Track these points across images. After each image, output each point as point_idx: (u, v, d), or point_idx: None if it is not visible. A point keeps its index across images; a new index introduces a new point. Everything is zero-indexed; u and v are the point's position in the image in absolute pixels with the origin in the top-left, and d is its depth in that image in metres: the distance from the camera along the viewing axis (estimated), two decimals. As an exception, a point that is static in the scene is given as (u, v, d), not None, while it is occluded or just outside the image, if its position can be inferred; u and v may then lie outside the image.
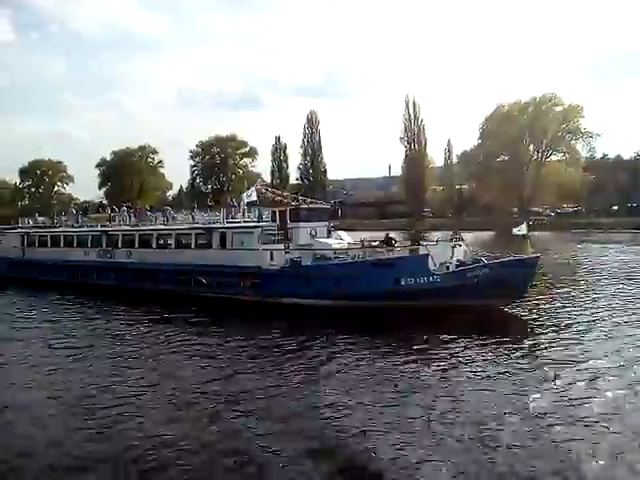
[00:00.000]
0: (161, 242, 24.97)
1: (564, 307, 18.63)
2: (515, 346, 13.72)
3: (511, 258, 18.69)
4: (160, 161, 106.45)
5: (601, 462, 7.54)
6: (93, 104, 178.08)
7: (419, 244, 19.59)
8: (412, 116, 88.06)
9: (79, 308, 21.09)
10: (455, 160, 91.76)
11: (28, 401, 10.70)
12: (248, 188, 26.40)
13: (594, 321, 16.20)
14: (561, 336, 14.40)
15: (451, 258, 18.48)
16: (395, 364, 12.33)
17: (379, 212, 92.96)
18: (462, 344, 13.81)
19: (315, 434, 8.78)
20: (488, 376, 11.35)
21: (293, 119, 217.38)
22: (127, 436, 8.86)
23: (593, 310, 17.78)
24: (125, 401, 10.41)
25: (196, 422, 9.37)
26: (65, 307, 21.36)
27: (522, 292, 18.09)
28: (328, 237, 21.86)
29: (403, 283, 17.75)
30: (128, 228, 26.80)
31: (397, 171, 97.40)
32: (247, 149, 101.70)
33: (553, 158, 77.68)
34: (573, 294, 21.21)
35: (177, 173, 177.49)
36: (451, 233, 21.39)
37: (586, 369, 11.45)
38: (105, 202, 73.93)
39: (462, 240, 19.92)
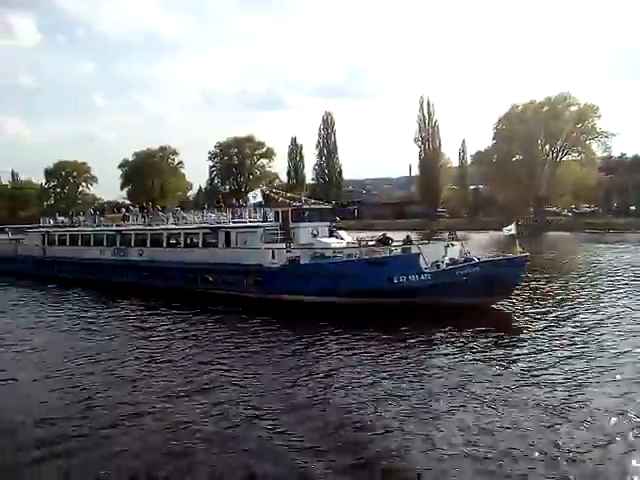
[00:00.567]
0: (171, 241, 26.04)
1: (548, 307, 19.06)
2: (500, 341, 14.61)
3: (501, 257, 19.36)
4: (180, 162, 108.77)
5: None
6: (119, 105, 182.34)
7: (412, 243, 20.28)
8: (426, 117, 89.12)
9: (94, 304, 22.35)
10: (470, 160, 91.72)
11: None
12: (263, 189, 27.51)
13: (572, 318, 16.90)
14: (547, 334, 14.96)
15: (444, 257, 19.15)
16: (383, 362, 12.91)
17: (397, 212, 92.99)
18: (450, 340, 14.72)
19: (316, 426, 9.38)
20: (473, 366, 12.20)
21: (314, 119, 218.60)
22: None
23: (566, 309, 18.43)
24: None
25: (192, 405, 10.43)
26: (82, 302, 22.81)
27: (511, 290, 18.75)
28: (330, 237, 22.70)
29: (396, 281, 18.47)
30: (140, 228, 28.08)
31: (417, 171, 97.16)
32: (264, 150, 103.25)
33: (568, 158, 77.17)
34: (551, 293, 21.66)
35: (199, 174, 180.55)
36: (448, 233, 22.05)
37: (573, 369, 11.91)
38: (128, 202, 76.06)
39: (457, 240, 20.61)
